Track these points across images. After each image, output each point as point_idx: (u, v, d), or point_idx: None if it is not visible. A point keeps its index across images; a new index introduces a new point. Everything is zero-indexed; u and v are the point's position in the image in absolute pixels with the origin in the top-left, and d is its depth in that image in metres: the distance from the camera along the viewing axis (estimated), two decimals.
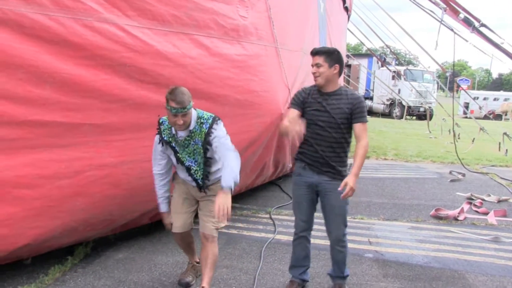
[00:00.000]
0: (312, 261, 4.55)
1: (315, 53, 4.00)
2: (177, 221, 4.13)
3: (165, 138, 3.90)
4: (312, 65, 4.00)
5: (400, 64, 32.88)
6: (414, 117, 29.78)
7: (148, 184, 4.12)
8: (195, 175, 3.96)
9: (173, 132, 3.86)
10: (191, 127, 3.80)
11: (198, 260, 4.51)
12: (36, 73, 3.78)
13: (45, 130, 3.97)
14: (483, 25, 10.23)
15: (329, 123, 3.95)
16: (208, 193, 4.03)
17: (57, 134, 4.05)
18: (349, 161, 4.05)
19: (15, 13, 3.58)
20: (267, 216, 6.59)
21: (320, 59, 3.93)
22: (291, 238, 5.59)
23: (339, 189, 3.78)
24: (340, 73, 4.00)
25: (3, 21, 3.54)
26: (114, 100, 4.34)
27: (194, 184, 4.02)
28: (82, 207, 4.35)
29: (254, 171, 6.86)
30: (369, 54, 30.72)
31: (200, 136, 3.82)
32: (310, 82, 8.11)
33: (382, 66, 30.11)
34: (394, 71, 27.07)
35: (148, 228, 5.77)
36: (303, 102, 4.08)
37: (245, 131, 5.94)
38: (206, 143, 3.82)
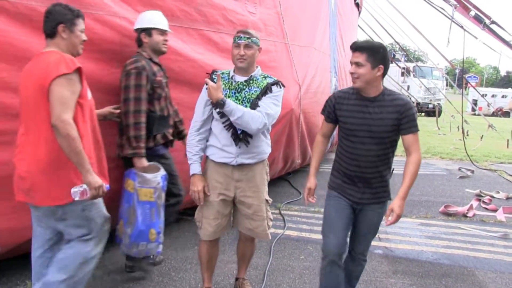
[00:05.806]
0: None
1: (355, 48, 3.21)
2: (208, 228, 3.67)
3: (219, 72, 3.51)
4: (351, 63, 3.24)
5: (409, 60, 32.75)
6: (423, 114, 29.71)
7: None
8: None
9: (231, 74, 3.57)
10: (253, 73, 3.54)
11: (211, 286, 3.99)
12: None
13: None
14: (493, 22, 10.18)
15: (370, 136, 3.27)
16: (245, 180, 3.62)
17: None
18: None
19: (25, 6, 3.58)
20: (277, 211, 6.57)
21: (361, 57, 3.15)
22: (300, 234, 5.63)
23: (386, 218, 3.28)
24: (384, 75, 3.20)
25: (13, 14, 3.54)
26: None
27: (232, 155, 3.54)
28: None
29: None
30: None
31: (259, 85, 3.53)
32: (320, 77, 8.18)
33: (391, 62, 29.97)
34: (404, 68, 26.99)
35: None
36: (334, 110, 3.44)
37: None
38: (262, 94, 3.50)
